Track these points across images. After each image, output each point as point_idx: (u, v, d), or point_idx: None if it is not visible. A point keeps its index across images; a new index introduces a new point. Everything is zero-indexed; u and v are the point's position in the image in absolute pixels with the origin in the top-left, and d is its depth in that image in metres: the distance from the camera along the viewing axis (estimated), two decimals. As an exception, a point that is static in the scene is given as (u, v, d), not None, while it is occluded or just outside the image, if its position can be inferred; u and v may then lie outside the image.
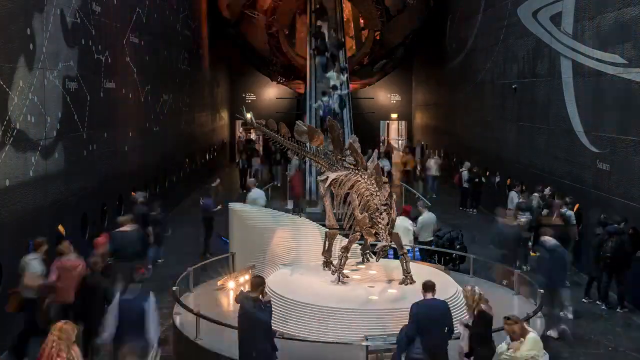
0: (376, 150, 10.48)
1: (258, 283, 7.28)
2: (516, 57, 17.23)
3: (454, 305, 8.88)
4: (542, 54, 15.32)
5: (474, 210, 19.88)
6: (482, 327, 7.15)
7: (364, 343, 7.59)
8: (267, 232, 11.06)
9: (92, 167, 12.62)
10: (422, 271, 10.00)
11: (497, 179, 19.10)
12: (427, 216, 13.05)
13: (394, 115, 33.92)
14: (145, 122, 16.94)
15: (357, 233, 9.37)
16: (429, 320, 7.08)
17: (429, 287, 7.45)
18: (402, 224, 11.71)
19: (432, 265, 11.26)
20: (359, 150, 9.85)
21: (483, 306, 7.20)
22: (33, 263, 8.71)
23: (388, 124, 34.89)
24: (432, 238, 13.03)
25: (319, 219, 11.55)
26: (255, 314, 7.07)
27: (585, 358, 9.07)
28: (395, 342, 7.25)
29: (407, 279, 9.28)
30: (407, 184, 20.91)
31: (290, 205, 17.54)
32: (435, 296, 7.50)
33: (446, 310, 7.32)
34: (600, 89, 12.47)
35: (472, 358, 7.21)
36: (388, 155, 26.35)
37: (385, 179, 9.43)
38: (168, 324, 9.69)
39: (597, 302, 11.21)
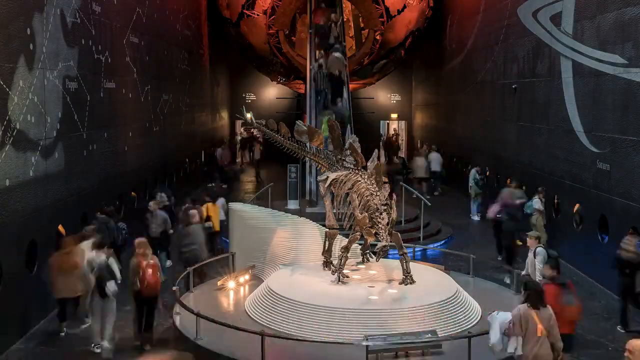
0: (376, 150, 10.47)
1: None
2: (516, 57, 17.22)
3: (453, 305, 8.90)
4: (542, 54, 15.32)
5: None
6: None
7: (364, 343, 7.59)
8: (267, 232, 11.07)
9: (92, 167, 12.62)
10: (422, 271, 10.01)
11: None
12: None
13: (394, 115, 33.89)
14: (145, 122, 16.93)
15: (357, 233, 9.38)
16: None
17: None
18: None
19: (433, 266, 11.25)
20: (359, 150, 9.86)
21: None
22: None
23: (388, 124, 34.87)
24: None
25: (320, 218, 11.56)
26: None
27: (586, 358, 9.06)
28: (394, 341, 7.27)
29: (407, 279, 9.29)
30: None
31: (291, 205, 17.54)
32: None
33: None
34: (600, 89, 12.47)
35: None
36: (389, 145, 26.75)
37: (385, 178, 9.43)
38: (168, 324, 9.70)
39: None
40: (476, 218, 18.76)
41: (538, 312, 6.81)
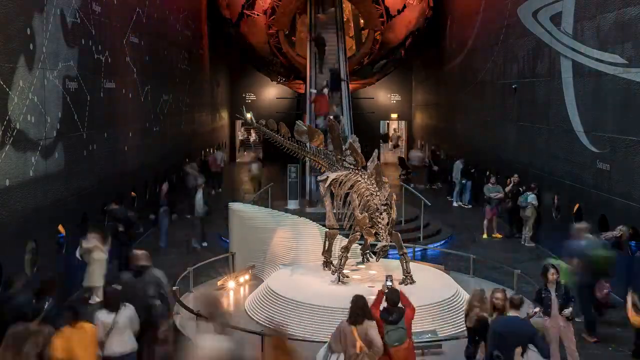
0: (376, 150, 10.48)
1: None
2: (516, 57, 17.22)
3: (453, 305, 8.90)
4: (542, 54, 15.32)
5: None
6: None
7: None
8: (267, 232, 11.07)
9: (92, 167, 12.62)
10: (422, 271, 10.02)
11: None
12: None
13: (394, 115, 33.91)
14: (145, 122, 16.93)
15: (357, 233, 9.39)
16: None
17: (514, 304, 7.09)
18: None
19: (433, 266, 11.26)
20: (359, 150, 9.86)
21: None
22: None
23: (388, 124, 34.90)
24: None
25: (320, 218, 11.55)
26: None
27: (586, 358, 9.06)
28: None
29: (407, 279, 9.30)
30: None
31: (291, 205, 17.53)
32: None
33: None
34: (600, 89, 12.47)
35: None
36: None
37: (385, 179, 9.43)
38: (168, 324, 9.68)
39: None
40: (455, 205, 20.55)
41: (357, 328, 6.62)
